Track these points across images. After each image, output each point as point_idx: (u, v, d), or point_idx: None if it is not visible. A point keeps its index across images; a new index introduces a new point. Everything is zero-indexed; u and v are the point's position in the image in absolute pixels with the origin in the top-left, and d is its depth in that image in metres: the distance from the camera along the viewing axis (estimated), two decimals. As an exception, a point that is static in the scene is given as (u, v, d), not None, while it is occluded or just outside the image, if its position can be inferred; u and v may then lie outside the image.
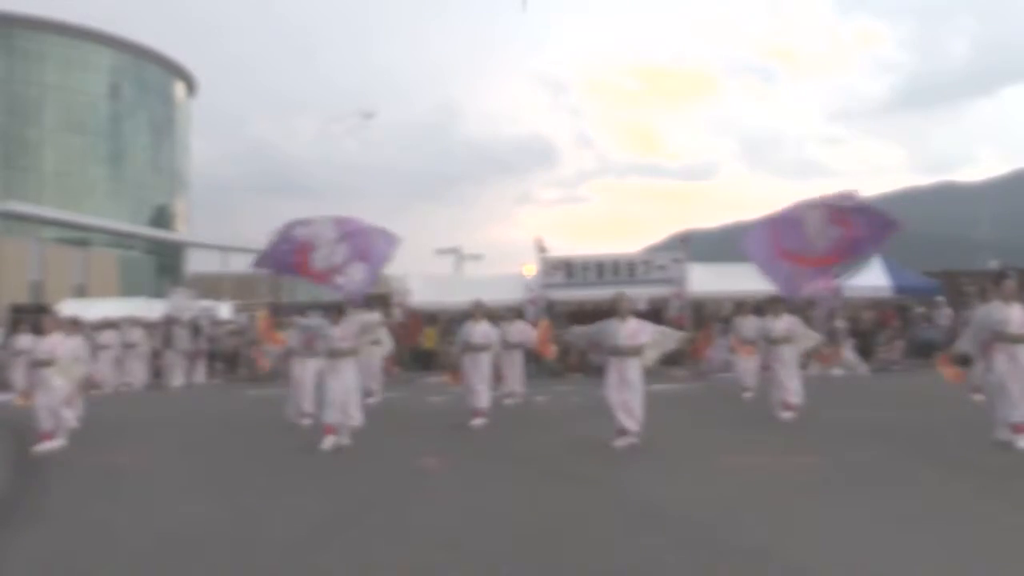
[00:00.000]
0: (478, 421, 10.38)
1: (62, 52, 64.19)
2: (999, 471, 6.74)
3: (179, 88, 76.74)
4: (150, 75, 71.64)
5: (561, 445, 8.92)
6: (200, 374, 20.52)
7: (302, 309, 24.71)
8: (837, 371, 15.99)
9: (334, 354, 9.06)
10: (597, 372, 18.42)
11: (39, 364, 9.56)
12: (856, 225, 9.81)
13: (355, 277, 10.03)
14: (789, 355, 10.35)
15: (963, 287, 22.28)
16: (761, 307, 13.71)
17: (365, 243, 10.22)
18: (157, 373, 19.95)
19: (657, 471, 7.22)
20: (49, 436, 9.42)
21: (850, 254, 10.34)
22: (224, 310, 29.99)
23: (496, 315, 12.52)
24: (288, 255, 10.08)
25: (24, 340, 9.87)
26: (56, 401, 9.45)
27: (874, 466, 7.17)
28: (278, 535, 5.36)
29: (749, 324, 13.01)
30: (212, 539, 5.33)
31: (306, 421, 10.83)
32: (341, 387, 8.88)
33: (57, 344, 9.66)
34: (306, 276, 10.31)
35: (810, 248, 10.14)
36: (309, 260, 10.05)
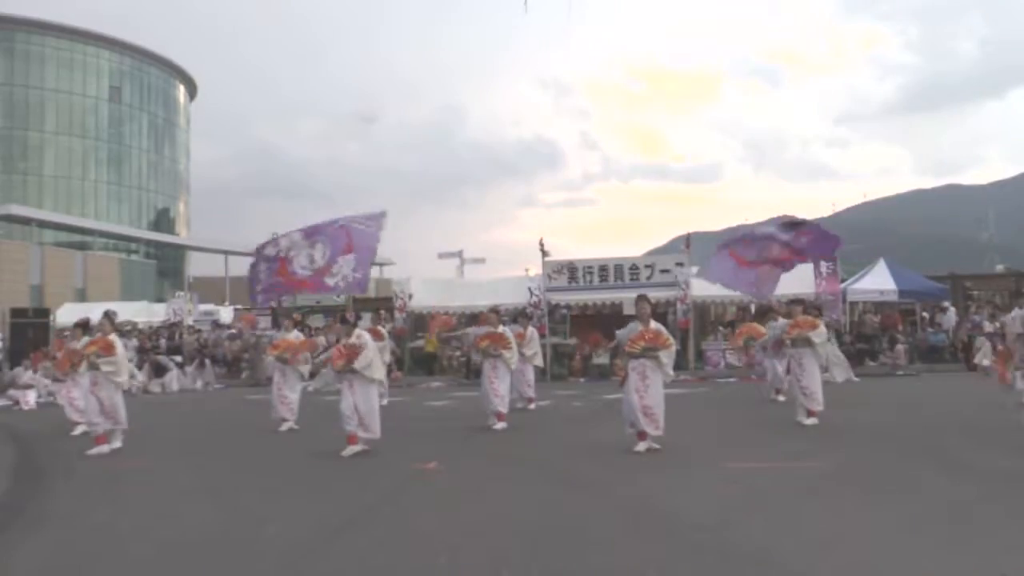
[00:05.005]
0: (500, 425, 10.39)
1: (63, 55, 64.35)
2: (1002, 475, 6.68)
3: (180, 91, 76.91)
4: (151, 78, 71.81)
5: (563, 448, 8.86)
6: (201, 378, 20.45)
7: (304, 313, 24.70)
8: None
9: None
10: (599, 376, 18.52)
11: (94, 365, 9.47)
12: (804, 234, 11.31)
13: (344, 272, 9.82)
14: (809, 358, 10.21)
15: (969, 291, 22.22)
16: (764, 312, 13.59)
17: (344, 235, 9.96)
18: (157, 376, 19.88)
19: (659, 475, 7.15)
20: (103, 439, 9.35)
21: (799, 255, 11.56)
22: (225, 314, 29.92)
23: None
24: (271, 275, 9.93)
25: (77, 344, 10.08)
26: (113, 402, 9.43)
27: (877, 470, 7.12)
28: (279, 539, 5.29)
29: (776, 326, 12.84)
30: (214, 543, 5.28)
31: (284, 427, 10.82)
32: (360, 397, 8.75)
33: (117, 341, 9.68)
34: (296, 288, 10.17)
35: (766, 253, 11.45)
36: (290, 272, 9.88)
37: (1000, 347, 9.69)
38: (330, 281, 9.79)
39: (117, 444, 9.47)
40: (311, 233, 9.98)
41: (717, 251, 13.36)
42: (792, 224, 11.46)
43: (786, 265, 11.93)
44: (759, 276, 11.83)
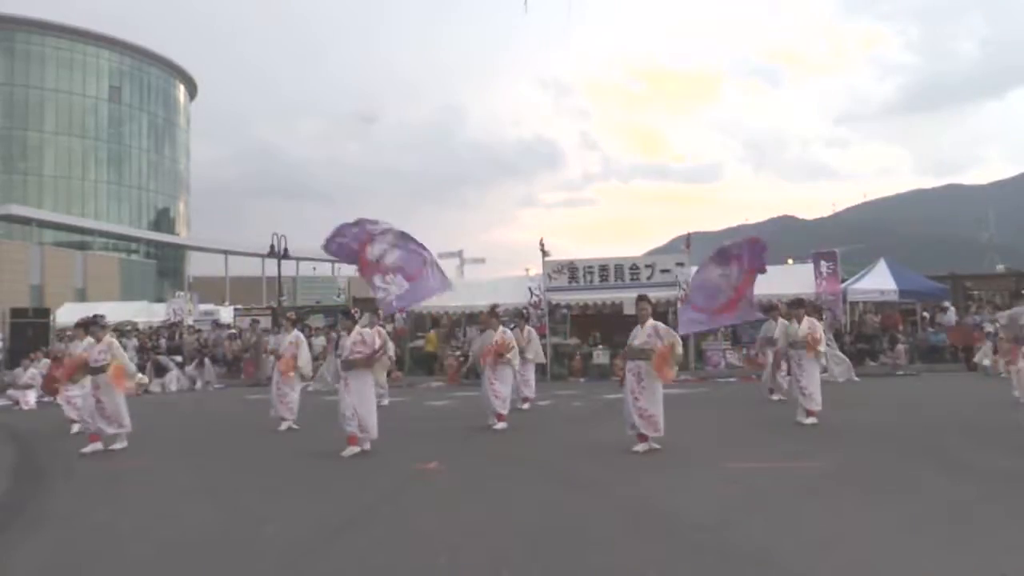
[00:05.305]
0: (500, 425, 10.39)
1: (63, 55, 64.37)
2: (1002, 475, 6.68)
3: (180, 91, 76.89)
4: (151, 78, 71.85)
5: (563, 448, 8.86)
6: (201, 377, 20.43)
7: (304, 313, 24.69)
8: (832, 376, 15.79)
9: (347, 365, 8.92)
10: (599, 376, 18.51)
11: (96, 370, 9.51)
12: (735, 259, 11.03)
13: (391, 289, 9.92)
14: (809, 360, 10.21)
15: (969, 291, 22.20)
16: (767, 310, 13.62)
17: (418, 266, 10.10)
18: (158, 376, 19.86)
19: (659, 475, 7.14)
20: (96, 437, 9.37)
21: (748, 275, 11.27)
22: (225, 314, 29.94)
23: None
24: (351, 238, 9.96)
25: (79, 346, 10.24)
26: (116, 404, 9.46)
27: (877, 470, 7.11)
28: (279, 539, 5.29)
29: (772, 327, 12.92)
30: (213, 543, 5.28)
31: (284, 426, 10.85)
32: (357, 398, 8.75)
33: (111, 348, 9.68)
34: (355, 260, 10.20)
35: (726, 291, 11.27)
36: (367, 249, 9.83)
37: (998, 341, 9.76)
38: (377, 281, 9.84)
39: (121, 445, 9.47)
40: (405, 239, 10.09)
41: (682, 309, 13.81)
42: (722, 254, 11.66)
43: (747, 292, 12.15)
44: (736, 313, 12.11)
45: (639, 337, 8.36)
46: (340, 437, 8.64)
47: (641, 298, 8.66)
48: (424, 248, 10.26)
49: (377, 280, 9.85)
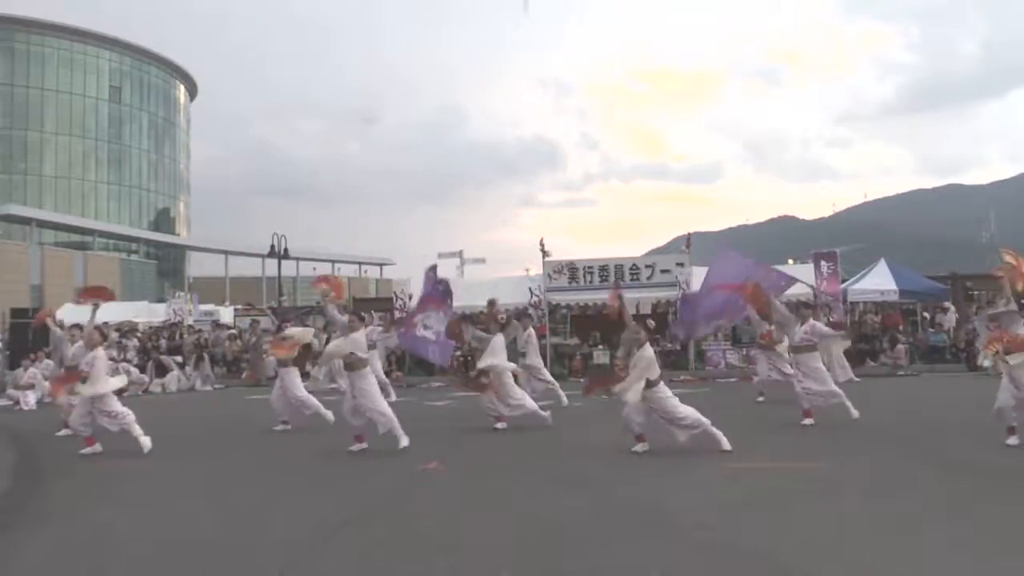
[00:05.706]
0: (500, 425, 10.36)
1: (63, 55, 64.36)
2: (1002, 475, 6.69)
3: (180, 91, 76.89)
4: (151, 78, 71.84)
5: (563, 449, 8.85)
6: (200, 375, 20.42)
7: (303, 314, 24.70)
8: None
9: (351, 365, 9.03)
10: (599, 375, 18.46)
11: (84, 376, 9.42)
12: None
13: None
14: (812, 363, 10.21)
15: (969, 291, 22.19)
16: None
17: (424, 345, 11.30)
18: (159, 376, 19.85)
19: (660, 475, 7.15)
20: (92, 440, 9.36)
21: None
22: (225, 314, 29.94)
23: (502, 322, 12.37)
24: (435, 294, 11.21)
25: (72, 349, 10.42)
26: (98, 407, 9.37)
27: (877, 470, 7.12)
28: (279, 539, 5.29)
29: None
30: (213, 543, 5.28)
31: (279, 427, 10.84)
32: (363, 396, 8.83)
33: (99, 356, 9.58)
34: (423, 304, 11.41)
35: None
36: (436, 307, 11.06)
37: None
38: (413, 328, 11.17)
39: (140, 435, 9.30)
40: (439, 325, 11.15)
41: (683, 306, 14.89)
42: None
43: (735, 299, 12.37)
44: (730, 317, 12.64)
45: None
46: (340, 437, 8.70)
47: (640, 323, 8.75)
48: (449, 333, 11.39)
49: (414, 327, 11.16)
